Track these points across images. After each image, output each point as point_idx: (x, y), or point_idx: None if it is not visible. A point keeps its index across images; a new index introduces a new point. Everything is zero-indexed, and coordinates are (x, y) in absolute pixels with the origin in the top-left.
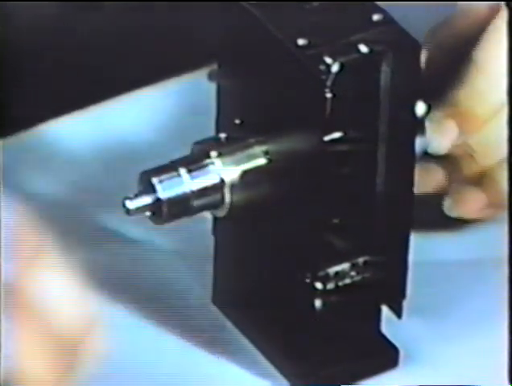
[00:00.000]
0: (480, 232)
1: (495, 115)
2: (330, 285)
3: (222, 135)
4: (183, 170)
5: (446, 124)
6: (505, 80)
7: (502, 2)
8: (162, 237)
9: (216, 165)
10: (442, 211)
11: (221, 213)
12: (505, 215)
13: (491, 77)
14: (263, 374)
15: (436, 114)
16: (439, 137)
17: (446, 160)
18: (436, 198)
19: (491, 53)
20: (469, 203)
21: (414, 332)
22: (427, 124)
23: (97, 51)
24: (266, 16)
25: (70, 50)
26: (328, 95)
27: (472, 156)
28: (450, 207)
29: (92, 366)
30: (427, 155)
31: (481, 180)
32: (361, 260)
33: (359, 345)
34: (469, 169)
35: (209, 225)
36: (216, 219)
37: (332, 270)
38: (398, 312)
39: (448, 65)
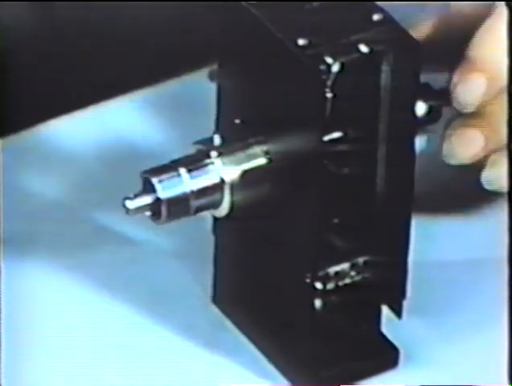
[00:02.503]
0: (480, 232)
1: None
2: (330, 285)
3: (222, 135)
4: (183, 170)
5: (473, 77)
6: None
7: (502, 2)
8: (162, 237)
9: (216, 165)
10: (479, 184)
11: (221, 213)
12: (505, 215)
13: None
14: (263, 374)
15: (461, 69)
16: (467, 91)
17: (485, 127)
18: (472, 170)
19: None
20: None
21: (415, 332)
22: (453, 80)
23: (97, 51)
24: (266, 16)
25: (70, 49)
26: (329, 95)
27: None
28: (490, 180)
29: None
30: (461, 121)
31: None
32: (361, 260)
33: (359, 345)
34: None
35: (209, 225)
36: (216, 219)
37: (332, 270)
38: (398, 312)
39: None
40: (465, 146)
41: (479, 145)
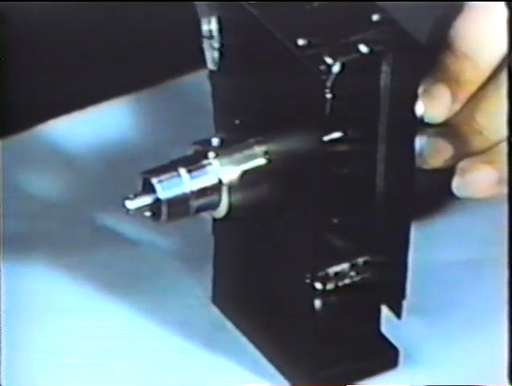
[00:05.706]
0: (480, 232)
1: (491, 81)
2: (330, 286)
3: (222, 135)
4: (182, 171)
5: (437, 89)
6: (492, 45)
7: (502, 2)
8: (161, 237)
9: (214, 165)
10: (451, 192)
11: (219, 214)
12: (504, 214)
13: (476, 41)
14: (263, 374)
15: (427, 81)
16: (432, 103)
17: (454, 137)
18: (444, 178)
19: (474, 20)
20: (480, 182)
21: (414, 332)
22: (419, 92)
23: (96, 52)
24: (266, 16)
25: (70, 50)
26: (328, 95)
27: (481, 133)
28: (460, 188)
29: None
30: (433, 131)
31: (491, 157)
32: (360, 260)
33: (359, 345)
34: (479, 146)
35: (209, 225)
36: (216, 219)
37: (332, 270)
38: (397, 312)
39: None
40: (434, 156)
41: (447, 154)
